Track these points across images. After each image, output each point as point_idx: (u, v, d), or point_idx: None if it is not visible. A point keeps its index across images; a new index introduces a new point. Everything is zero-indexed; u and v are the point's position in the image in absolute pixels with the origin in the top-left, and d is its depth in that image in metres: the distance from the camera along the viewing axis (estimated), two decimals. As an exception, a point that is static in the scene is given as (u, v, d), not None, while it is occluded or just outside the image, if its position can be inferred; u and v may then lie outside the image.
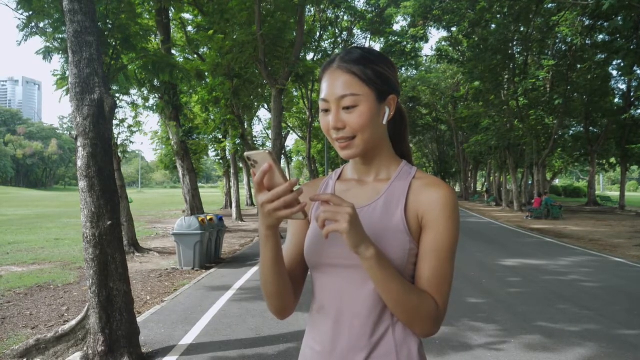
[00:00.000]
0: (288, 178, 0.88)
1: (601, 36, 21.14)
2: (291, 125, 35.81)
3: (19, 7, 6.37)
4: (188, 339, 4.54)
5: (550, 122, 25.74)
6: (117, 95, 9.50)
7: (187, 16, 16.49)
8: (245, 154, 0.89)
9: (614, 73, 25.78)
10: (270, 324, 4.95)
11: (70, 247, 11.31)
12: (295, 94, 28.21)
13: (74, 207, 28.86)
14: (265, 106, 24.72)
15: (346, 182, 1.14)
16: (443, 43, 29.98)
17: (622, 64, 18.21)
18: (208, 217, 8.92)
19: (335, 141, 1.03)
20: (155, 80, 10.76)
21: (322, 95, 1.03)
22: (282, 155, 22.40)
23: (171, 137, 13.13)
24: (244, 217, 20.68)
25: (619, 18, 15.15)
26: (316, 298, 1.09)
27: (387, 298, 0.96)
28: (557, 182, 63.87)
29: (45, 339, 4.04)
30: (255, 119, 29.44)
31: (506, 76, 24.27)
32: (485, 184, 45.75)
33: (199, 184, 15.68)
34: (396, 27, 29.44)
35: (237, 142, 19.48)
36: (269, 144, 25.76)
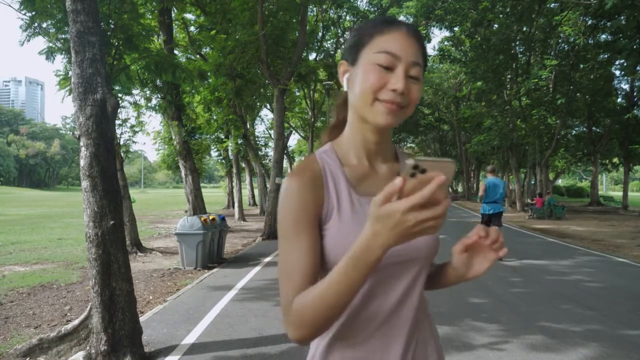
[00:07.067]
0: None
1: (604, 36, 21.10)
2: (293, 125, 35.81)
3: (22, 7, 6.39)
4: (190, 338, 4.54)
5: (552, 122, 25.71)
6: (120, 95, 9.52)
7: (189, 16, 16.51)
8: (414, 160, 0.68)
9: (617, 73, 25.74)
10: (273, 323, 4.95)
11: (73, 246, 11.34)
12: (298, 94, 28.18)
13: (77, 207, 28.93)
14: (268, 106, 24.72)
15: (354, 167, 0.98)
16: (445, 43, 29.97)
17: (625, 64, 18.20)
18: (210, 217, 8.92)
19: (383, 102, 0.88)
20: (158, 80, 10.78)
21: (391, 49, 0.88)
22: (285, 155, 22.42)
23: (173, 137, 13.15)
24: (246, 217, 20.70)
25: (622, 17, 15.10)
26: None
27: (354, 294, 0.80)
28: (559, 182, 63.75)
29: (48, 339, 4.05)
30: (258, 118, 29.45)
31: (509, 76, 24.25)
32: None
33: (202, 184, 15.70)
34: (398, 27, 29.36)
35: (240, 142, 19.50)
36: (271, 144, 25.78)
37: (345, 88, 0.97)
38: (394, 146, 1.04)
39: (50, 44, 7.07)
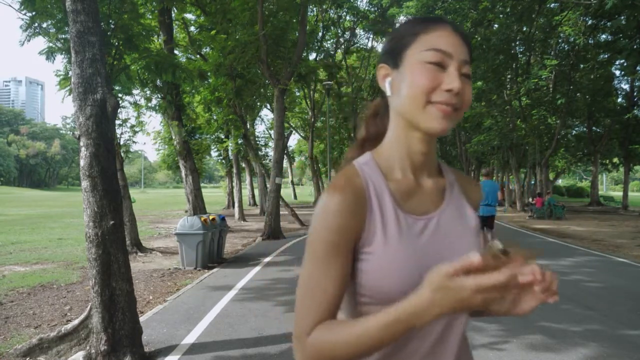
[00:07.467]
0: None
1: (604, 36, 21.11)
2: (293, 125, 35.82)
3: (22, 7, 6.39)
4: (190, 338, 4.54)
5: (552, 122, 25.71)
6: (120, 95, 9.52)
7: (189, 16, 16.52)
8: (502, 245, 0.67)
9: (617, 73, 25.75)
10: (272, 323, 4.95)
11: (73, 246, 11.34)
12: (298, 94, 28.22)
13: (77, 207, 28.93)
14: (268, 106, 24.74)
15: (398, 181, 0.88)
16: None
17: (625, 64, 18.21)
18: (210, 217, 8.93)
19: (437, 105, 0.80)
20: (158, 80, 10.78)
21: (440, 46, 0.81)
22: (285, 155, 22.46)
23: (174, 137, 13.16)
24: (246, 217, 20.71)
25: (622, 17, 15.11)
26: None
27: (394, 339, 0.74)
28: (559, 182, 63.74)
29: (48, 338, 4.05)
30: (258, 119, 29.49)
31: (509, 76, 24.25)
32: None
33: (202, 184, 15.71)
34: (398, 27, 29.41)
35: (240, 142, 19.50)
36: (271, 144, 25.79)
37: (388, 93, 0.88)
38: (437, 159, 0.96)
39: (51, 44, 7.07)
